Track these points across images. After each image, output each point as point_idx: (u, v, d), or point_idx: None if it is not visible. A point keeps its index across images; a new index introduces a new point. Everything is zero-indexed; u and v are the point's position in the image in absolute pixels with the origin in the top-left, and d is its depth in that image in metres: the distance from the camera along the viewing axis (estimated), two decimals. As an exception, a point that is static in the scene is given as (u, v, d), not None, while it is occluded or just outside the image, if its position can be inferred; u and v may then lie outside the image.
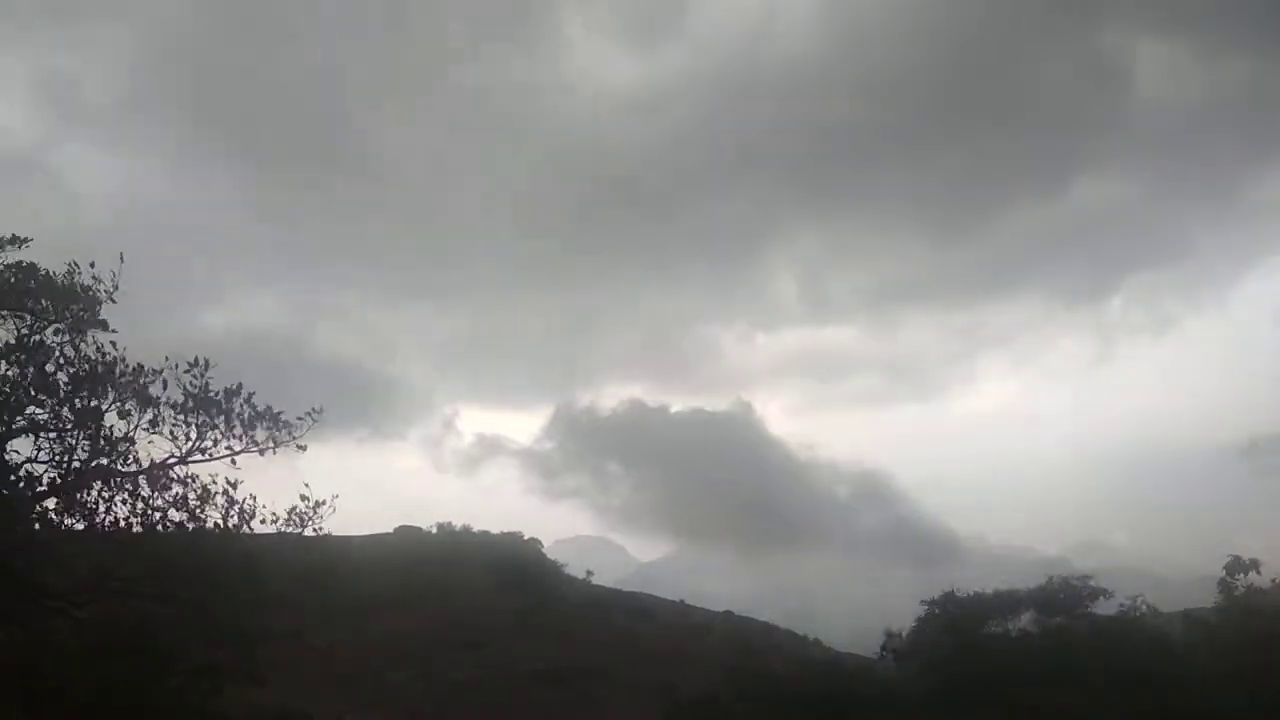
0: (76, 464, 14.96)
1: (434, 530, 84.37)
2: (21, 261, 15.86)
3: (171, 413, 15.17)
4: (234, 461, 15.50)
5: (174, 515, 15.29)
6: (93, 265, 15.96)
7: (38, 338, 15.52)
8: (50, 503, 15.09)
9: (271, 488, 16.11)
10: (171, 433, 15.23)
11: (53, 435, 14.88)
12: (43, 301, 15.70)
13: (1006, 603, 36.13)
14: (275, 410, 15.74)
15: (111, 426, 15.04)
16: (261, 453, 15.72)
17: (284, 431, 15.74)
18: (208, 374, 15.29)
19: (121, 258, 16.03)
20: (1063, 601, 34.84)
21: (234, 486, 15.45)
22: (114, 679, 16.71)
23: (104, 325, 15.99)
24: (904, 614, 41.49)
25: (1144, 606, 34.50)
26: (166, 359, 15.25)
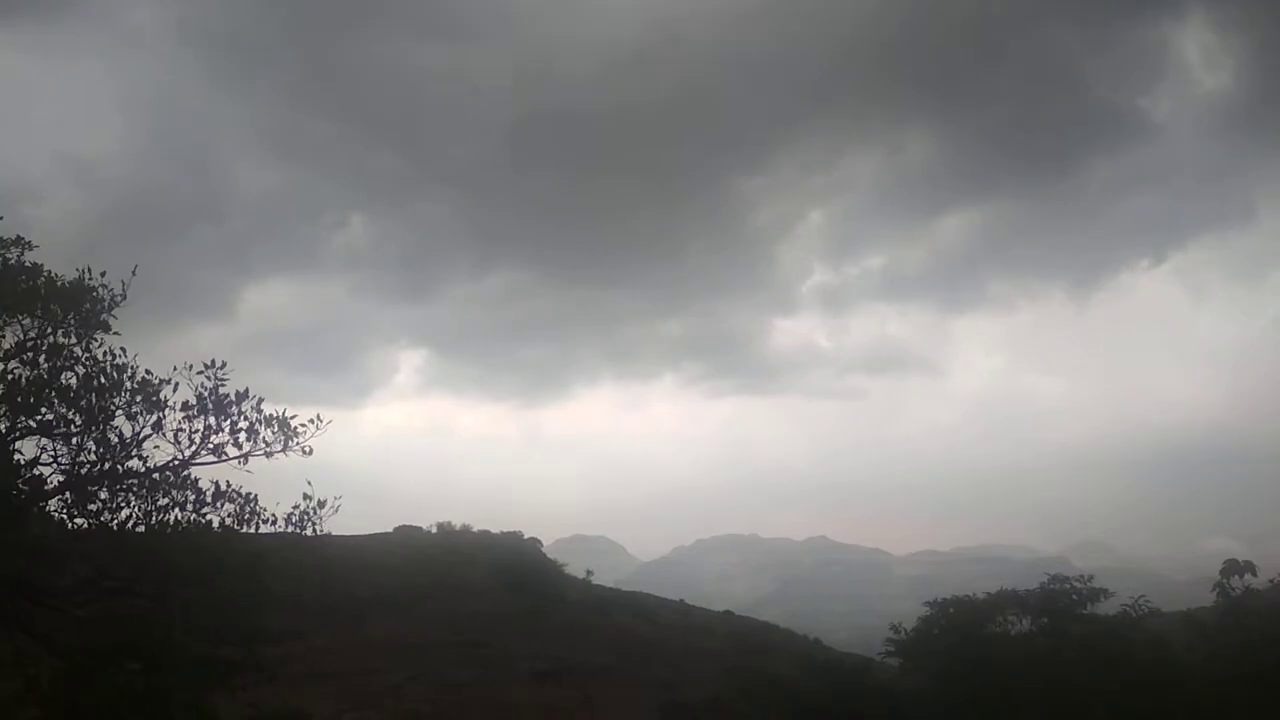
0: (85, 465, 14.96)
1: (434, 530, 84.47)
2: (27, 263, 15.85)
3: (179, 416, 15.20)
4: (243, 462, 15.51)
5: (179, 516, 15.30)
6: (104, 274, 16.03)
7: (50, 339, 15.51)
8: (55, 503, 15.11)
9: (276, 489, 16.13)
10: (176, 437, 15.25)
11: (60, 437, 14.88)
12: (51, 306, 15.68)
13: (1008, 603, 36.09)
14: (285, 414, 15.76)
15: (119, 428, 15.06)
16: (269, 456, 15.73)
17: (291, 436, 15.74)
18: (221, 375, 15.29)
19: (134, 270, 16.15)
20: (1064, 602, 34.76)
21: (239, 490, 15.46)
22: (114, 679, 16.70)
23: (107, 327, 15.97)
24: (904, 615, 41.54)
25: (1145, 607, 34.46)
26: (175, 369, 15.29)
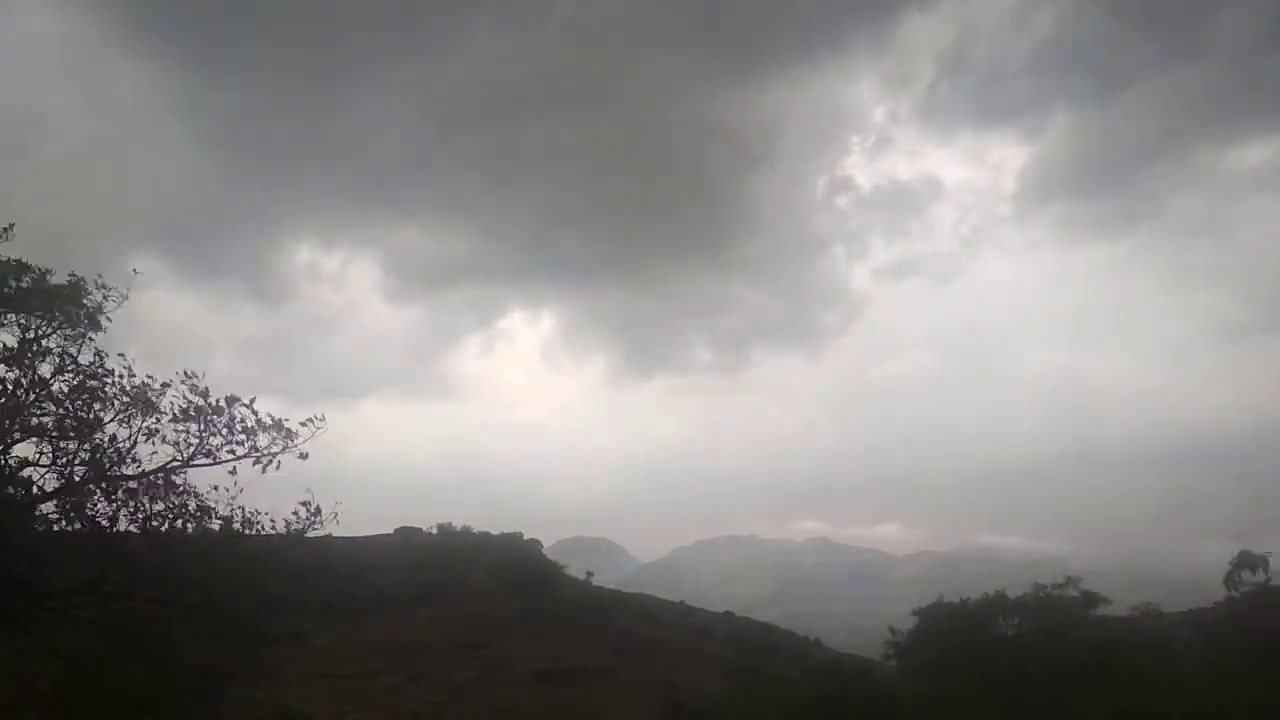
0: (78, 469, 14.90)
1: (434, 530, 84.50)
2: (11, 259, 15.52)
3: (172, 420, 15.10)
4: (234, 470, 15.40)
5: (177, 520, 15.23)
6: (99, 277, 15.93)
7: (42, 343, 15.39)
8: (50, 506, 15.05)
9: (277, 491, 16.05)
10: (171, 441, 15.18)
11: (53, 440, 14.81)
12: (52, 311, 15.52)
13: (1003, 607, 36.04)
14: (279, 418, 15.67)
15: (113, 434, 15.00)
16: (268, 460, 15.61)
17: (287, 439, 15.64)
18: (204, 383, 15.19)
19: (134, 270, 16.13)
20: (1063, 605, 34.69)
21: (237, 494, 15.38)
22: (116, 682, 16.68)
23: (99, 328, 15.81)
24: (905, 616, 41.49)
25: (1147, 609, 34.41)
26: (174, 375, 15.25)
